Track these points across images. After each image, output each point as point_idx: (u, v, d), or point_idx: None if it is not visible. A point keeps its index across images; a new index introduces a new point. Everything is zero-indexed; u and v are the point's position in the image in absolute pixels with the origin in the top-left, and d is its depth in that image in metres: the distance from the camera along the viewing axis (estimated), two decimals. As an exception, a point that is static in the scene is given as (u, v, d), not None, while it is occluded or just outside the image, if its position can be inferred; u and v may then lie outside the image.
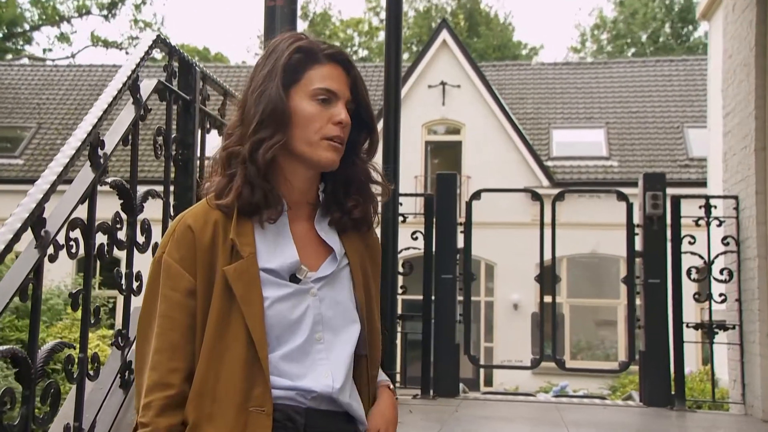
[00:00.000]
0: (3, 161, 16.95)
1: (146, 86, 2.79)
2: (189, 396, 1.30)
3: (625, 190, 5.52)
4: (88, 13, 28.41)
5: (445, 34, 16.80)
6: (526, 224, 13.17)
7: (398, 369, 6.09)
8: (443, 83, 16.57)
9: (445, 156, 17.46)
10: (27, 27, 27.92)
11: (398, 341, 5.60)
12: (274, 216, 1.37)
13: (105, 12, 28.35)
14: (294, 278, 1.36)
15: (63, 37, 29.32)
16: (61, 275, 8.11)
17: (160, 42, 2.86)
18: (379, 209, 1.52)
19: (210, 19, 52.51)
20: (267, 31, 3.18)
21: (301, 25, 32.09)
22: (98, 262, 2.53)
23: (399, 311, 5.45)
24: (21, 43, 28.13)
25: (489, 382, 15.69)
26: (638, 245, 5.12)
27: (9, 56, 26.29)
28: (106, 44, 29.37)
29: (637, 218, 5.18)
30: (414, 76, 16.65)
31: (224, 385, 1.29)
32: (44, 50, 30.11)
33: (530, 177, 15.69)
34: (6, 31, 26.96)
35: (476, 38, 29.37)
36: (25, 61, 24.65)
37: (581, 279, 16.40)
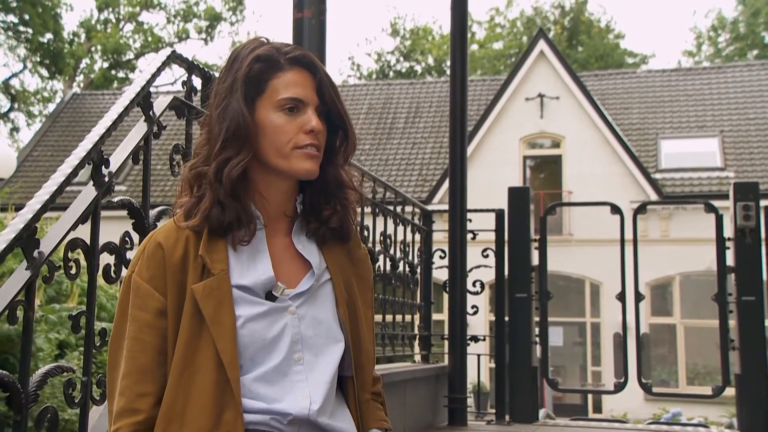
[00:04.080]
0: (106, 187, 17.84)
1: (160, 103, 2.73)
2: (156, 421, 1.24)
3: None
4: (188, 37, 29.61)
5: (542, 45, 16.26)
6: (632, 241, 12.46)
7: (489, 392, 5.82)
8: (541, 95, 16.04)
9: (545, 170, 16.90)
10: (131, 56, 29.28)
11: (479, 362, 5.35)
12: (247, 237, 1.30)
13: (204, 35, 29.54)
14: (270, 296, 1.30)
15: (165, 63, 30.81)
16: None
17: (176, 58, 2.80)
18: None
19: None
20: (295, 44, 3.07)
21: (392, 42, 31.95)
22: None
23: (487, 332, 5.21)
24: (126, 71, 29.58)
25: (598, 408, 14.95)
26: (730, 260, 4.67)
27: (115, 84, 27.81)
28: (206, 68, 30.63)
29: (728, 231, 4.73)
30: (510, 89, 16.23)
31: (193, 409, 1.23)
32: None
33: (637, 190, 14.81)
34: (112, 60, 28.46)
35: (580, 47, 28.45)
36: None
37: (697, 298, 15.33)
